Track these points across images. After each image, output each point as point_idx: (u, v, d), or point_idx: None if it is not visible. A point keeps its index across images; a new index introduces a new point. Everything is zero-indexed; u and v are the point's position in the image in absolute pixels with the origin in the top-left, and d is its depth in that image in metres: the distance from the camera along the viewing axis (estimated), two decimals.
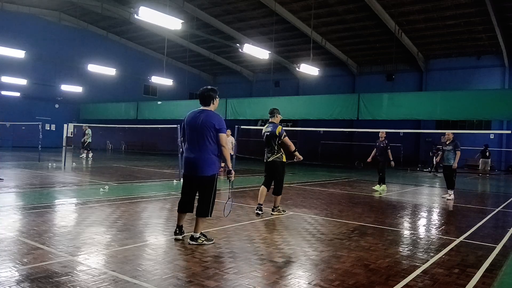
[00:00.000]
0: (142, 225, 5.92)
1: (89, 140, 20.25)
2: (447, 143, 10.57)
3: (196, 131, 4.83)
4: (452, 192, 10.46)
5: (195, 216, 5.00)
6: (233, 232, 5.70)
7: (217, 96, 5.06)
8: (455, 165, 10.34)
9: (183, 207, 5.05)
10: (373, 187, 12.16)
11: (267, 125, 7.13)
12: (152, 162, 20.20)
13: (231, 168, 5.00)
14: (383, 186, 11.98)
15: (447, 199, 10.28)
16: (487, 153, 21.04)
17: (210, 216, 4.98)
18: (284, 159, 7.01)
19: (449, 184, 10.50)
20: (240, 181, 11.95)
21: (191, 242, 4.87)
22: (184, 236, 5.12)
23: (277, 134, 6.84)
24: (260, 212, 6.99)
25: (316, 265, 4.33)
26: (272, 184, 7.16)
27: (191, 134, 4.90)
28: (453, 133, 10.65)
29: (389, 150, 11.66)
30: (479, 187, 15.53)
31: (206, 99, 5.00)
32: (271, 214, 7.07)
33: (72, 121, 28.47)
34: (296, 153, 7.13)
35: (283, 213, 7.17)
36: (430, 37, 25.67)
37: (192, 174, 4.90)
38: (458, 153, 10.34)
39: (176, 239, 5.06)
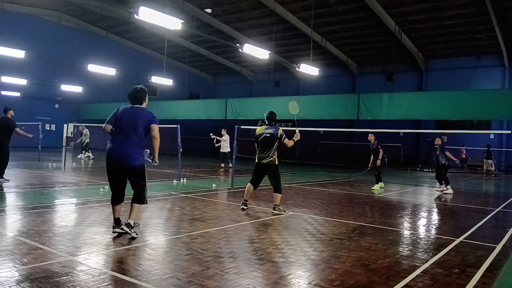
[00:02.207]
0: (142, 225, 5.91)
1: (87, 140, 20.23)
2: (437, 150, 11.91)
3: (129, 126, 5.08)
4: (449, 186, 11.55)
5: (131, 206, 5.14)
6: (233, 232, 5.69)
7: (147, 95, 5.40)
8: (450, 157, 11.69)
9: (117, 199, 5.19)
10: (372, 188, 12.19)
11: (265, 126, 7.24)
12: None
13: (157, 161, 5.25)
14: (381, 184, 12.20)
15: (445, 193, 11.29)
16: (485, 154, 21.00)
17: (146, 203, 5.26)
18: (277, 162, 7.19)
19: (444, 181, 11.65)
20: (240, 181, 11.93)
21: (125, 229, 5.02)
22: (123, 227, 5.12)
23: (279, 136, 7.03)
24: (245, 208, 7.35)
25: (316, 265, 4.33)
26: (259, 184, 7.47)
27: (123, 128, 5.11)
28: (441, 139, 12.05)
29: (380, 150, 12.04)
30: (479, 187, 15.53)
31: (138, 99, 5.28)
32: (272, 213, 7.11)
33: (72, 121, 28.47)
34: (295, 138, 7.27)
35: (283, 213, 7.16)
36: (430, 37, 25.67)
37: (120, 165, 5.07)
38: (447, 153, 11.75)
39: (115, 232, 5.09)
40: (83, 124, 20.86)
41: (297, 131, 7.41)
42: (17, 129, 10.35)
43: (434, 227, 6.96)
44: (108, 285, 3.46)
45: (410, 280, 3.91)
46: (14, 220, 5.90)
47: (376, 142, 12.22)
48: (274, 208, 7.18)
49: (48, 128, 28.80)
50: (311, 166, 21.95)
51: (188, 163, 19.60)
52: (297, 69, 19.68)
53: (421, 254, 4.92)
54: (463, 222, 7.39)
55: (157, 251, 4.63)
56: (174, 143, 12.82)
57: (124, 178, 5.19)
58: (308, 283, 3.76)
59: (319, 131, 28.35)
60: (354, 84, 32.18)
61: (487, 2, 19.75)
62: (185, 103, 28.79)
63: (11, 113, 10.32)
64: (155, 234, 5.45)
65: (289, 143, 7.15)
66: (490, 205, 10.42)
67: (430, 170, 21.70)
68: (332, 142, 28.87)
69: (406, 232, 6.39)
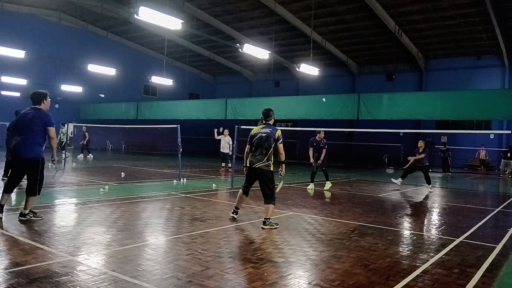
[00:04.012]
0: (142, 225, 5.92)
1: (64, 139, 20.20)
2: (420, 151, 12.15)
3: (24, 124, 5.75)
4: (430, 185, 12.19)
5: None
6: (233, 232, 5.70)
7: (48, 97, 6.04)
8: (412, 159, 12.23)
9: (10, 188, 5.89)
10: (324, 188, 11.64)
11: (262, 126, 6.30)
12: (152, 162, 20.20)
13: (55, 158, 5.96)
14: (311, 186, 11.75)
15: (429, 192, 11.90)
16: (509, 154, 19.95)
17: (39, 194, 5.85)
18: (272, 168, 6.16)
19: (427, 180, 12.21)
20: (240, 181, 11.93)
21: (20, 218, 5.70)
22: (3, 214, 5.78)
23: (276, 137, 6.07)
24: (235, 216, 6.50)
25: (316, 265, 4.33)
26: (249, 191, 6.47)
27: (20, 127, 5.78)
28: (424, 141, 12.39)
29: (324, 150, 11.64)
30: (480, 187, 15.53)
31: (35, 100, 5.91)
32: (262, 228, 5.93)
33: (72, 121, 28.45)
34: (283, 166, 6.32)
35: (275, 226, 5.99)
36: (430, 37, 25.66)
37: (16, 156, 5.72)
38: (423, 154, 12.10)
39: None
40: (84, 125, 20.85)
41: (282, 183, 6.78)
42: None
43: (434, 227, 6.96)
44: (108, 285, 3.46)
45: (410, 280, 3.91)
46: (14, 220, 5.90)
47: (324, 140, 11.74)
48: (264, 223, 5.98)
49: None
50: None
51: (188, 163, 19.60)
52: (297, 69, 19.66)
53: (421, 254, 4.92)
54: (463, 222, 7.38)
55: (157, 251, 4.63)
56: (174, 143, 12.82)
57: (22, 171, 5.97)
58: (308, 283, 3.76)
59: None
60: (354, 84, 32.16)
61: (487, 2, 19.73)
62: (185, 103, 28.79)
63: None
64: (155, 234, 5.45)
65: (282, 152, 6.14)
66: (490, 205, 10.42)
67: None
68: (332, 142, 28.83)
69: (406, 232, 6.39)
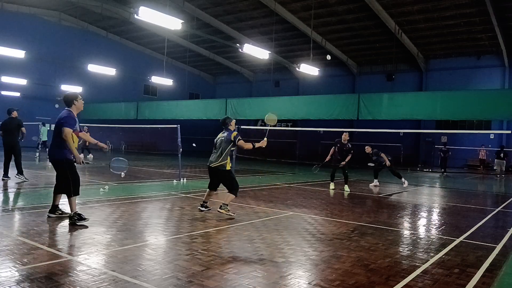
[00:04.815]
0: (142, 225, 5.92)
1: (45, 138, 20.13)
2: (372, 155, 13.10)
3: (55, 126, 5.91)
4: (403, 178, 12.80)
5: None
6: (233, 232, 5.70)
7: (78, 98, 5.99)
8: (388, 163, 13.10)
9: (56, 189, 6.10)
10: (344, 190, 11.50)
11: (222, 132, 7.02)
12: (152, 162, 20.20)
13: (75, 158, 5.86)
14: (332, 185, 11.96)
15: (404, 186, 12.53)
16: (502, 154, 19.88)
17: (74, 195, 5.80)
18: (228, 167, 6.85)
19: (398, 175, 12.88)
20: (240, 181, 11.93)
21: (69, 221, 5.71)
22: (61, 213, 6.10)
23: (233, 139, 6.75)
24: (203, 210, 7.07)
25: (316, 265, 4.33)
26: (217, 187, 7.11)
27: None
28: (371, 146, 13.31)
29: (349, 155, 11.65)
30: (480, 187, 15.53)
31: (66, 102, 5.94)
32: (218, 211, 6.67)
33: None
34: (257, 144, 6.98)
35: (232, 215, 6.67)
36: (430, 37, 25.68)
37: (49, 158, 6.04)
38: (382, 154, 13.06)
39: (49, 216, 6.03)
40: (86, 125, 20.76)
41: (265, 139, 7.09)
42: (22, 128, 10.45)
43: (434, 227, 6.96)
44: (108, 285, 3.46)
45: (410, 280, 3.91)
46: (14, 220, 5.90)
47: (349, 145, 11.83)
48: (220, 207, 6.69)
49: (48, 128, 28.78)
50: (311, 166, 21.90)
51: (188, 163, 19.60)
52: (297, 69, 19.66)
53: (421, 254, 4.92)
54: (463, 222, 7.38)
55: (157, 251, 4.63)
56: (174, 143, 12.82)
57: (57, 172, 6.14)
58: (308, 283, 3.76)
59: (319, 131, 28.36)
60: (354, 84, 32.17)
61: (487, 2, 19.74)
62: (185, 103, 28.78)
63: (15, 114, 10.46)
64: (155, 234, 5.45)
65: (245, 145, 6.82)
66: (490, 205, 10.42)
67: (430, 170, 21.68)
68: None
69: (406, 232, 6.39)
